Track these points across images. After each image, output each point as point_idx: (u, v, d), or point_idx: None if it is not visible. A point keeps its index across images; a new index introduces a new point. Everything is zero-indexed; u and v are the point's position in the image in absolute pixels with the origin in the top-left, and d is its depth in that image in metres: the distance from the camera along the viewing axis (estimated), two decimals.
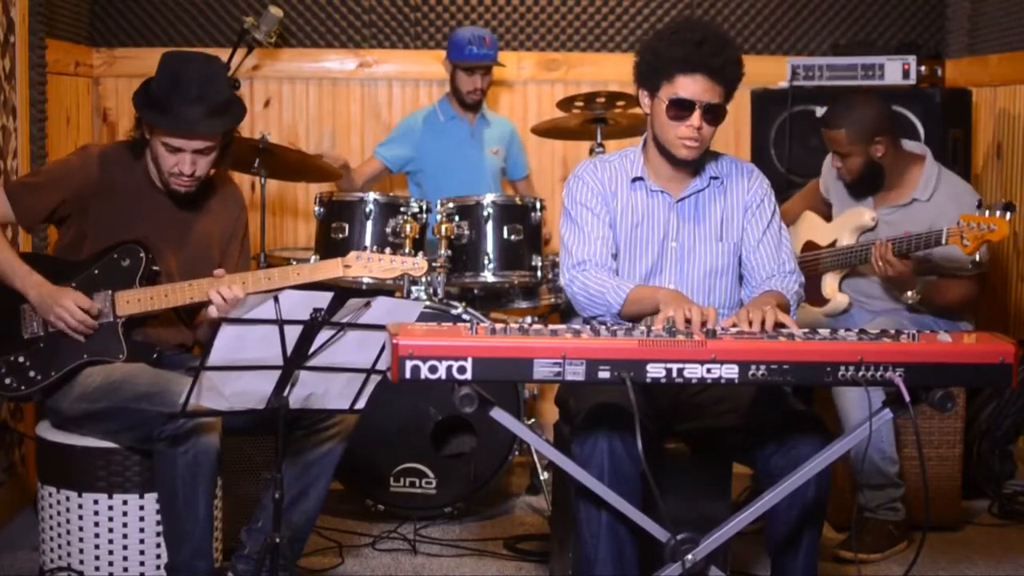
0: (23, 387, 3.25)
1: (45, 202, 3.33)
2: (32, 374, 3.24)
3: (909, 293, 3.94)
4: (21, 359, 3.25)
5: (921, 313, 4.03)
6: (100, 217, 3.33)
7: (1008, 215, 3.61)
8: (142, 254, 3.29)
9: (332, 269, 3.33)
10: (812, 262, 4.14)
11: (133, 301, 3.27)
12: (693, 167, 3.22)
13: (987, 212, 3.63)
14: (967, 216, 3.67)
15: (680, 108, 3.07)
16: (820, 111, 4.48)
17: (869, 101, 4.04)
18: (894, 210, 4.05)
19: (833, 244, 4.13)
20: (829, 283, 4.16)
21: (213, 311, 3.20)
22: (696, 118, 3.06)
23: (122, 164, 3.36)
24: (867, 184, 4.05)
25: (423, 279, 4.22)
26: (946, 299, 4.00)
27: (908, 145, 4.11)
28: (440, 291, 4.23)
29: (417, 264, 3.39)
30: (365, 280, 4.27)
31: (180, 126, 3.22)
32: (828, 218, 4.23)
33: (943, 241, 3.72)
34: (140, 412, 3.06)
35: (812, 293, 4.12)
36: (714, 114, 3.08)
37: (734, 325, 2.79)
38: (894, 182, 4.05)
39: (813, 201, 4.32)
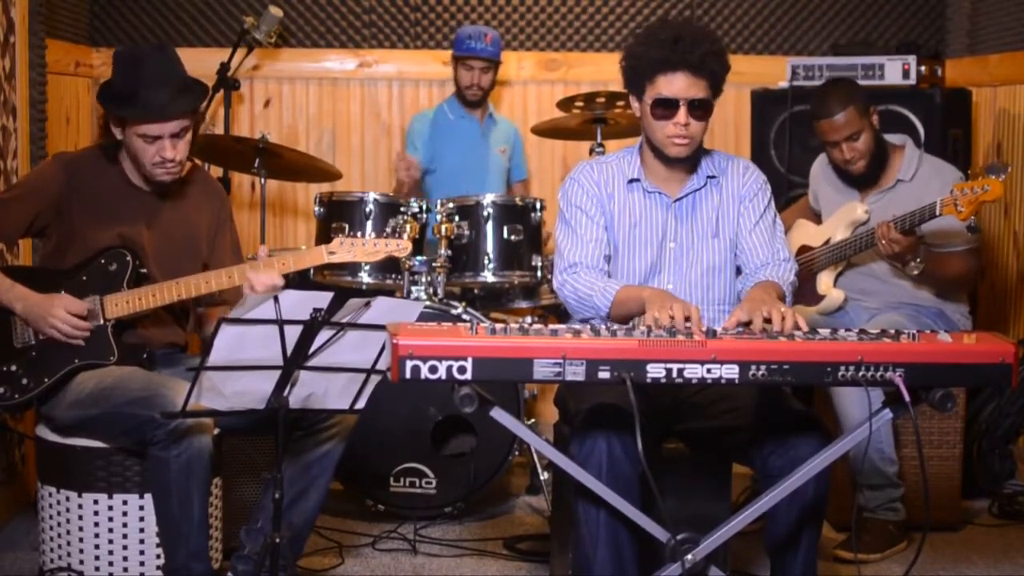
0: (17, 395, 3.24)
1: (21, 217, 3.30)
2: (25, 382, 3.24)
3: (912, 263, 3.92)
4: (13, 368, 3.24)
5: (921, 287, 4.04)
6: (81, 223, 3.30)
7: (1002, 176, 3.60)
8: (128, 258, 3.28)
9: (317, 256, 3.32)
10: (807, 263, 4.14)
11: (121, 303, 3.26)
12: (689, 166, 3.22)
13: (979, 179, 3.64)
14: (960, 184, 3.68)
15: (665, 107, 3.07)
16: None
17: (846, 79, 4.23)
18: (881, 195, 4.07)
19: (827, 243, 4.14)
20: (824, 280, 4.16)
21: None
22: (682, 115, 3.06)
23: (95, 169, 3.34)
24: (878, 162, 4.04)
25: (424, 279, 4.23)
26: (947, 272, 4.00)
27: (889, 137, 4.13)
28: (440, 291, 4.23)
29: (401, 245, 3.39)
30: (365, 280, 4.27)
31: (153, 112, 3.20)
32: (820, 224, 4.24)
33: (937, 212, 3.70)
34: (133, 416, 3.05)
35: (807, 293, 4.13)
36: (701, 109, 3.08)
37: (746, 323, 2.78)
38: (879, 170, 4.07)
39: (804, 214, 4.34)
